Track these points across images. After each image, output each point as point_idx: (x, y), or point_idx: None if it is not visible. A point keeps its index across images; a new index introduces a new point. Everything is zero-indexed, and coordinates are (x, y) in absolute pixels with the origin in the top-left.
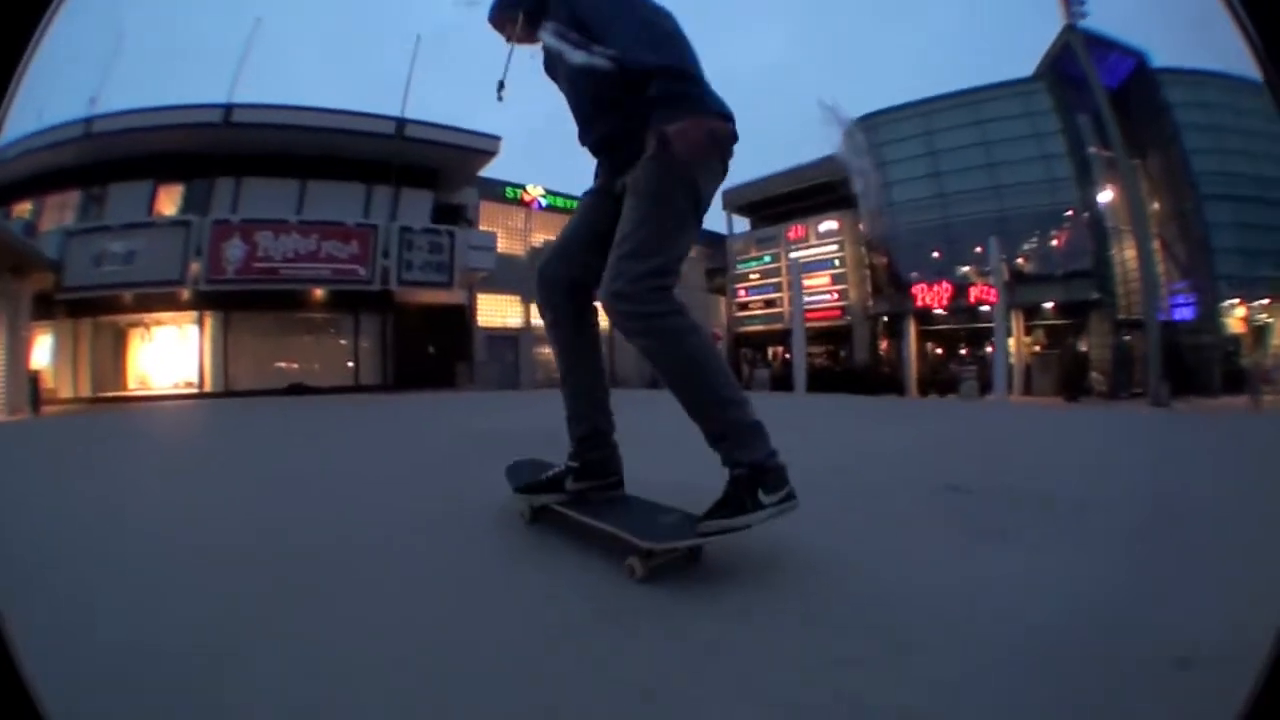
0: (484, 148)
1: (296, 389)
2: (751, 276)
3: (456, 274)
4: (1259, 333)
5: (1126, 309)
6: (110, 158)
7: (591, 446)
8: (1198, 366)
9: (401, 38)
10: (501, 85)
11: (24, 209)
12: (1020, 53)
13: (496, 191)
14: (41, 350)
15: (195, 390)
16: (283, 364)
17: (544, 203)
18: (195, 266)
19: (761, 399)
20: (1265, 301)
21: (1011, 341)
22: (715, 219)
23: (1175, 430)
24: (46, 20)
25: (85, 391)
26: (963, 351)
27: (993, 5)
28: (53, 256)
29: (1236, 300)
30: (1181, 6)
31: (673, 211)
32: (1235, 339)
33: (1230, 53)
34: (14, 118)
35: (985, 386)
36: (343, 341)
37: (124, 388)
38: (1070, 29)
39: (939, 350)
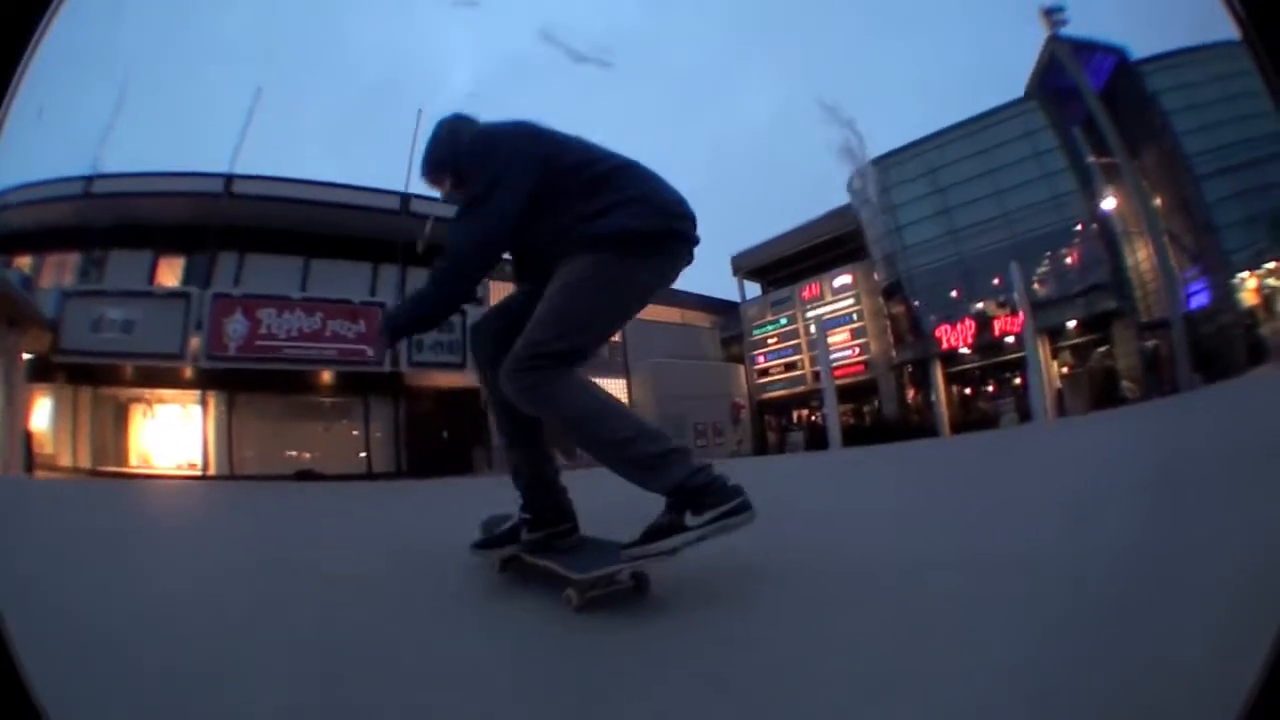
0: None
1: (305, 475)
2: (769, 341)
3: (469, 353)
4: (1269, 300)
5: (1146, 311)
6: (110, 222)
7: (538, 494)
8: (1221, 348)
9: (403, 113)
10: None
11: (23, 262)
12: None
13: (505, 271)
14: (41, 414)
15: (199, 473)
16: (292, 451)
17: None
18: (195, 341)
19: (815, 459)
20: (1272, 266)
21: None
22: (727, 286)
23: (1242, 398)
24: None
25: (84, 463)
26: (990, 388)
27: (971, 29)
28: (50, 315)
29: (1245, 273)
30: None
31: (579, 303)
32: (1250, 311)
33: (1216, 26)
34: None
35: (1024, 415)
36: (355, 432)
37: (125, 464)
38: (1055, 39)
39: (967, 390)
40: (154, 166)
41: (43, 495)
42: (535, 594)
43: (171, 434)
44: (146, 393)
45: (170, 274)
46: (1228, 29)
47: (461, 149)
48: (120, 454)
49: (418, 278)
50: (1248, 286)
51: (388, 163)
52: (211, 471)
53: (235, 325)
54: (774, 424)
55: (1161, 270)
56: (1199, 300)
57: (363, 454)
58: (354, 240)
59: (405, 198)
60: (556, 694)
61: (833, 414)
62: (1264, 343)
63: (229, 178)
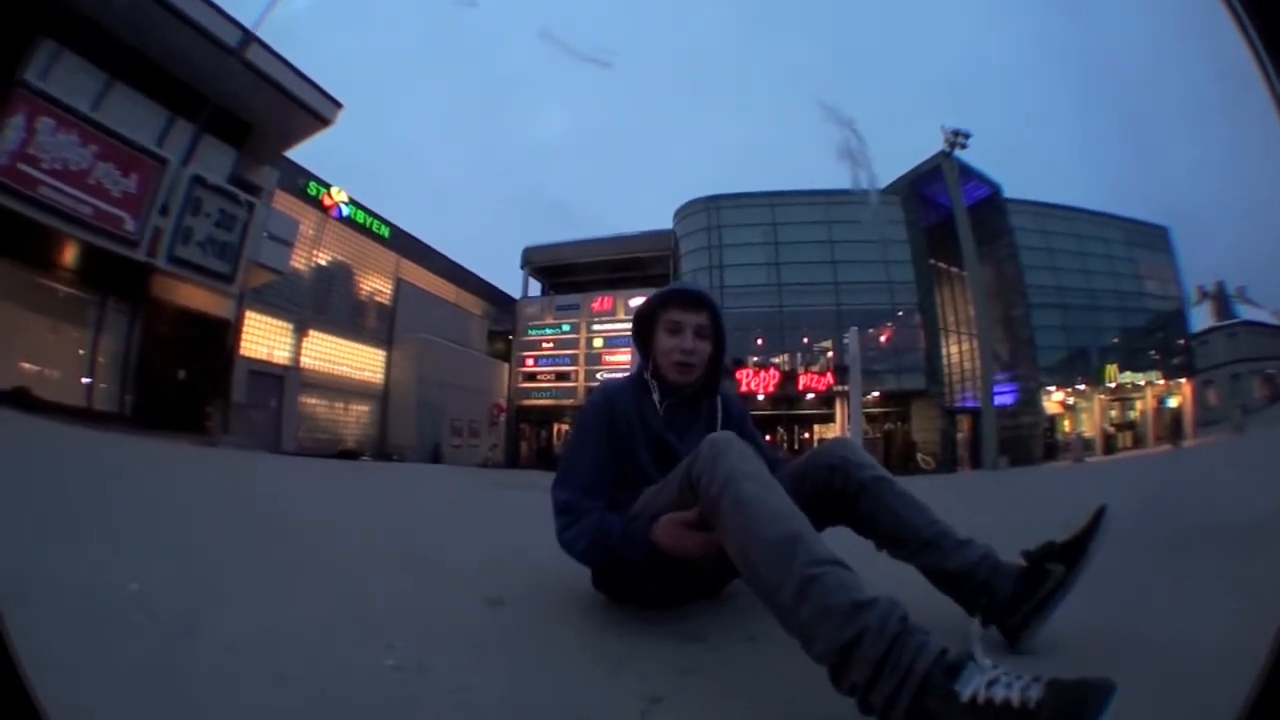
0: (320, 111)
1: (20, 398)
2: (544, 345)
3: (242, 267)
4: (1071, 411)
5: (949, 398)
6: None
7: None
8: (1019, 442)
9: None
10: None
11: None
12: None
13: (296, 184)
14: None
15: None
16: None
17: (345, 211)
18: None
19: None
20: (1081, 388)
21: (836, 427)
22: (512, 279)
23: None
24: None
25: None
26: (806, 436)
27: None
28: None
29: (1054, 387)
30: (1182, 8)
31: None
32: (1052, 418)
33: (1230, 53)
34: None
35: None
36: (81, 351)
37: None
38: (946, 155)
39: (767, 437)
40: None
41: None
42: None
43: None
44: None
45: None
46: (1228, 29)
47: None
48: None
49: (210, 151)
50: (1054, 399)
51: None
52: None
53: (13, 131)
54: (528, 433)
55: (983, 367)
56: (1004, 400)
57: (86, 380)
58: (164, 72)
59: (248, 39)
60: None
61: (857, 432)
62: (1058, 443)
63: None
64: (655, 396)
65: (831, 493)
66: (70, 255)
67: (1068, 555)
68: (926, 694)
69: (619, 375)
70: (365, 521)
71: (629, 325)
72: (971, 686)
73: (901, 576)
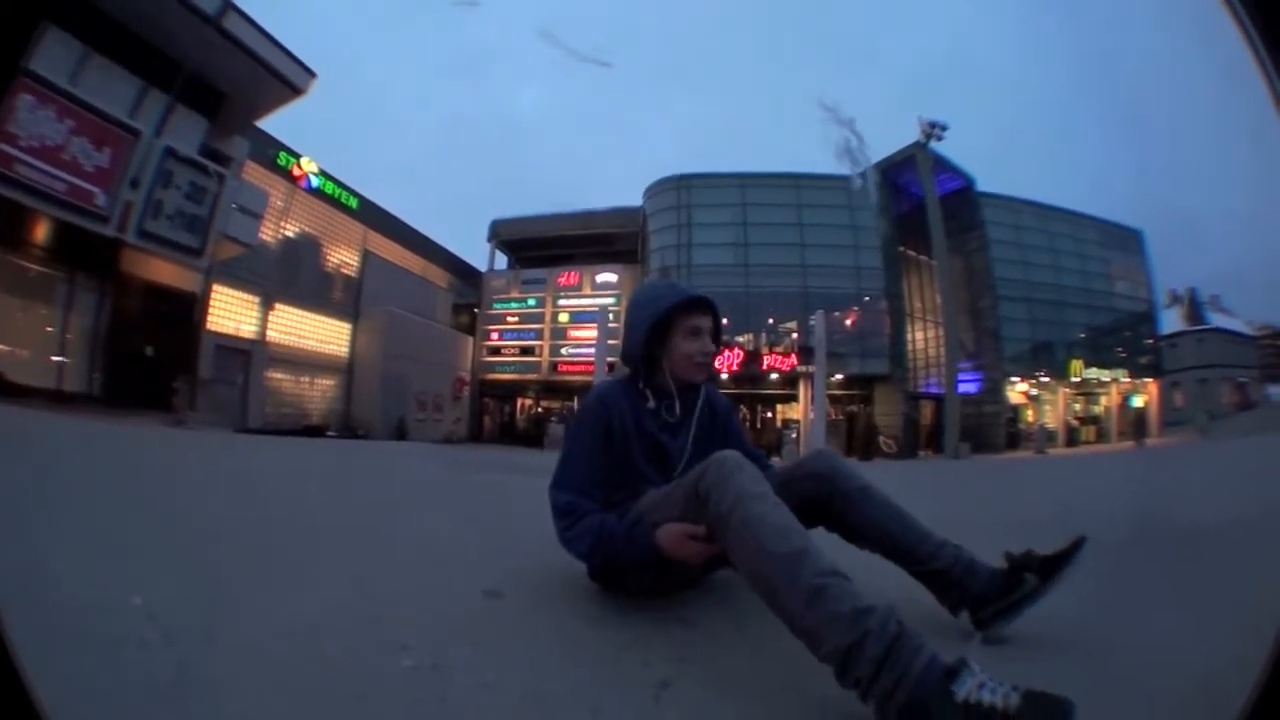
0: (294, 80)
1: None
2: (509, 319)
3: (211, 240)
4: (1035, 402)
5: (913, 384)
6: None
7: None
8: (981, 430)
9: None
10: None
11: None
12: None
13: (266, 154)
14: None
15: None
16: None
17: (315, 182)
18: None
19: None
20: (1044, 380)
21: (799, 408)
22: (478, 252)
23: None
24: None
25: None
26: (769, 415)
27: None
28: None
29: (1018, 378)
30: (1182, 7)
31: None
32: (1015, 409)
33: (1231, 53)
34: None
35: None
36: (50, 327)
37: None
38: (920, 146)
39: None
40: None
41: None
42: None
43: None
44: None
45: None
46: (1228, 29)
47: None
48: None
49: (182, 122)
50: (1018, 389)
51: None
52: None
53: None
54: (492, 408)
55: (948, 355)
56: (967, 388)
57: (56, 358)
58: (143, 42)
59: (226, 6)
60: None
61: (821, 413)
62: (1020, 432)
63: None
64: (650, 404)
65: (818, 500)
66: (40, 233)
67: (1044, 569)
68: (924, 692)
69: (610, 378)
70: (348, 509)
71: (595, 300)
72: (965, 689)
73: (889, 582)
